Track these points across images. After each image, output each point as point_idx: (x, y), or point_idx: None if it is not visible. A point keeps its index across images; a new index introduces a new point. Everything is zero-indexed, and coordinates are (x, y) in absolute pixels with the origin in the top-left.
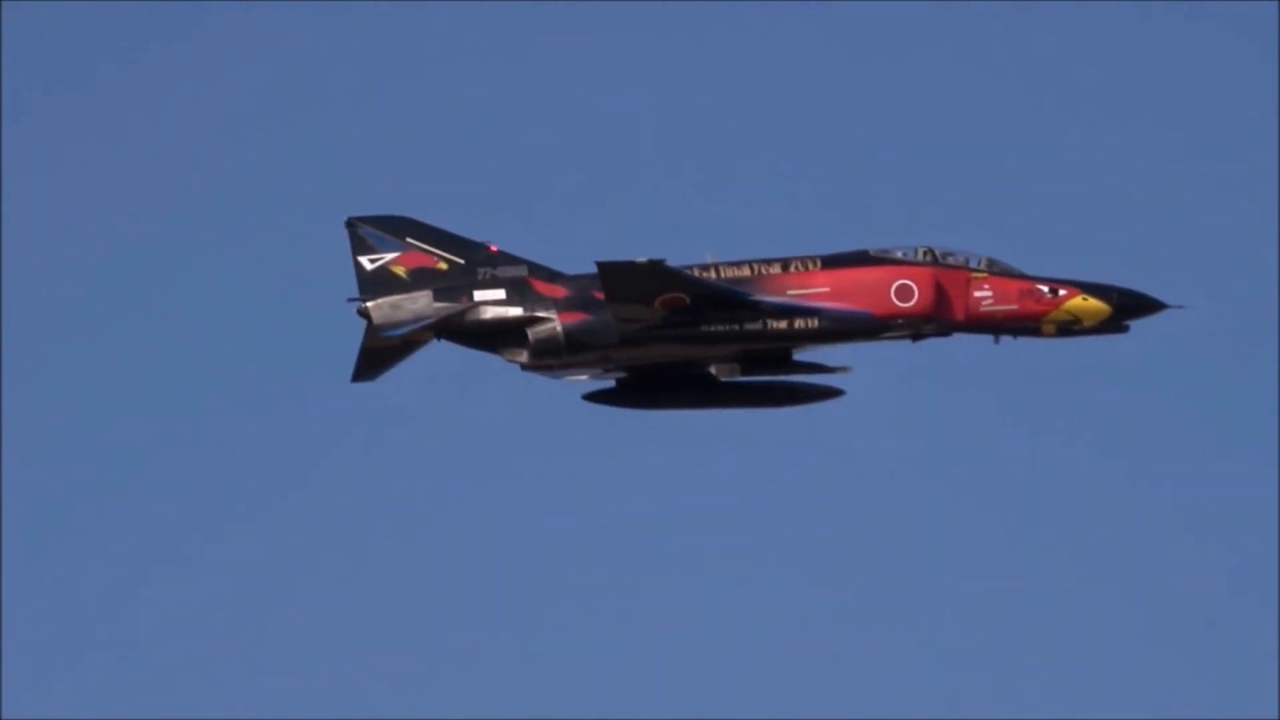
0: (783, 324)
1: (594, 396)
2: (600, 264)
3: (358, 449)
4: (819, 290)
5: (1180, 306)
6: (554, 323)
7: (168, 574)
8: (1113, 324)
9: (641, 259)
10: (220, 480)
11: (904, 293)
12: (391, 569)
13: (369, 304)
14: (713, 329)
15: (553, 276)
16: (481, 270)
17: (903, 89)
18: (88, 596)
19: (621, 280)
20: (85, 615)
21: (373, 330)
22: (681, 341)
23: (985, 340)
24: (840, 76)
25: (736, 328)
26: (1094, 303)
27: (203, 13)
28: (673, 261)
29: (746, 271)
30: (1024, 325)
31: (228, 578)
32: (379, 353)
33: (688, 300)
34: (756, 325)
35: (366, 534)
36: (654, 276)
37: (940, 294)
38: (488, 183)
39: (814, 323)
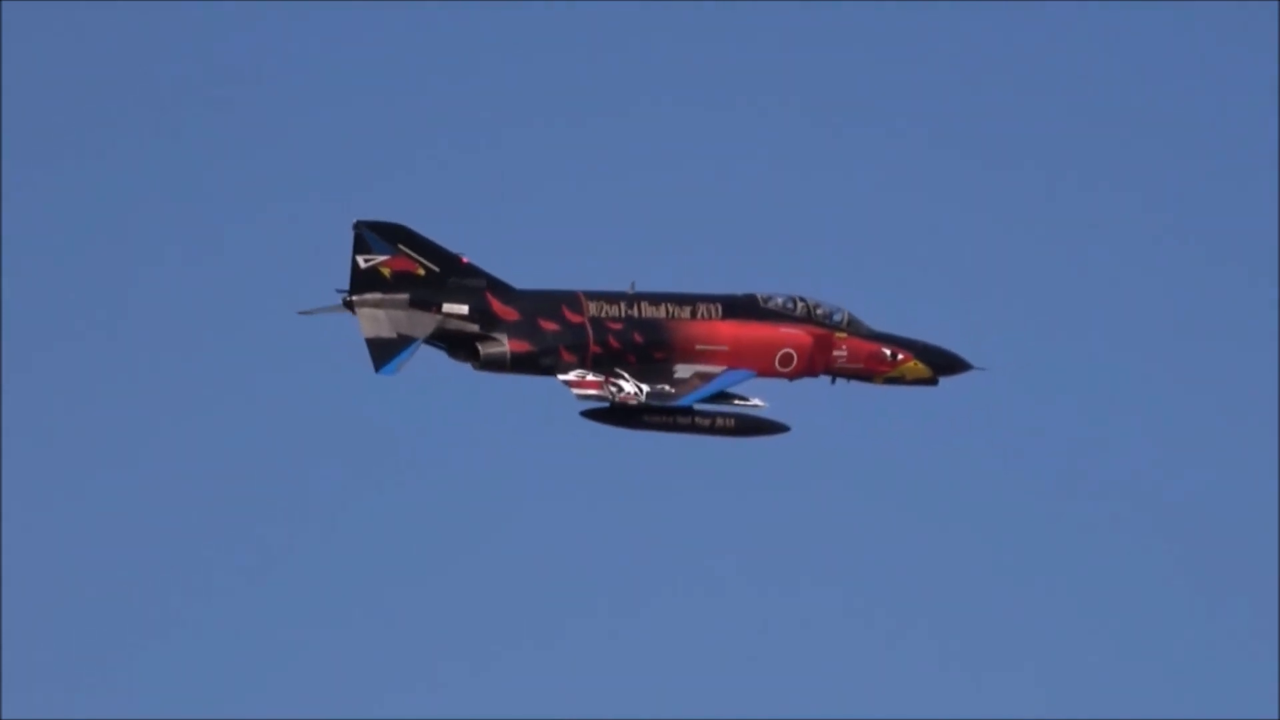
0: (706, 421)
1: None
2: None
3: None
4: (721, 348)
5: (984, 369)
6: (504, 347)
7: (168, 573)
8: (930, 380)
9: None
10: (210, 476)
11: (786, 360)
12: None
13: (354, 300)
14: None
15: (507, 296)
16: (451, 280)
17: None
18: (87, 596)
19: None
20: (85, 615)
21: (346, 309)
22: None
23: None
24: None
25: (670, 420)
26: (921, 366)
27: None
28: (595, 285)
29: (662, 313)
30: (861, 376)
31: (225, 577)
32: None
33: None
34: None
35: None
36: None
37: (811, 359)
38: (460, 191)
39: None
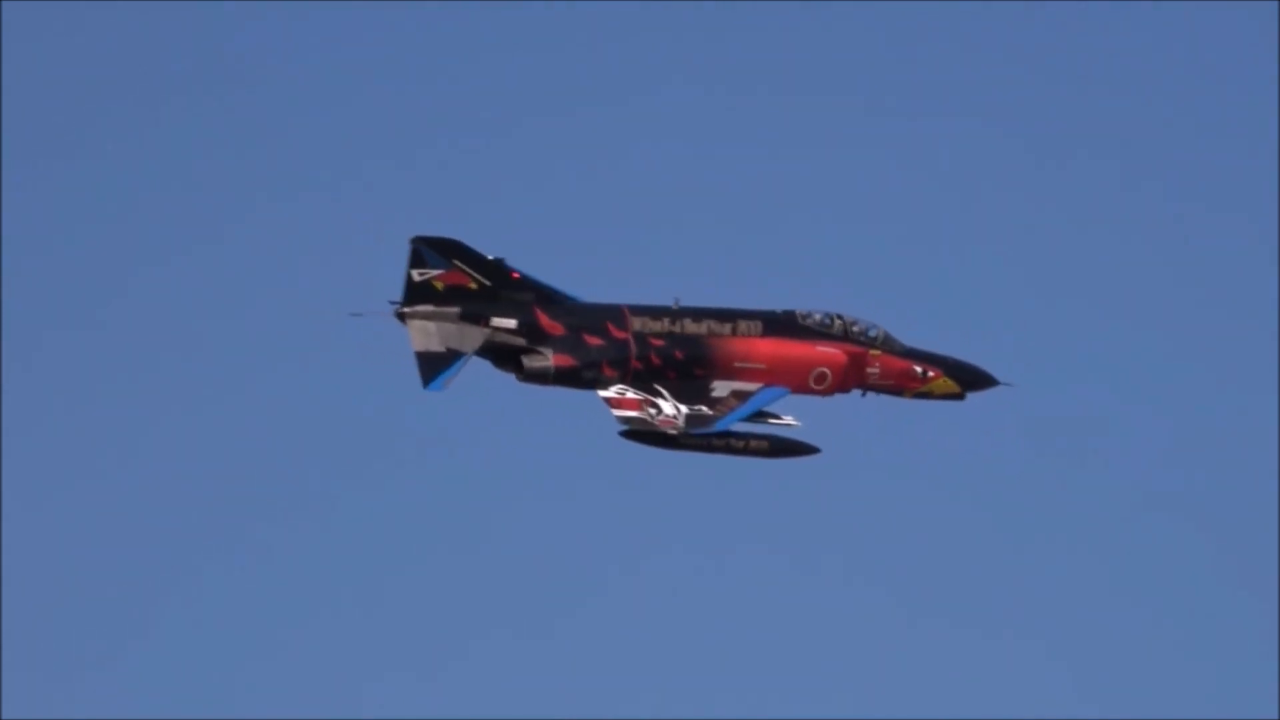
0: (740, 444)
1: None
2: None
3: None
4: (759, 366)
5: (1010, 384)
6: (548, 362)
7: (193, 576)
8: (957, 395)
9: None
10: (250, 480)
11: (820, 378)
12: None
13: (406, 311)
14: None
15: (555, 311)
16: (503, 293)
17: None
18: (88, 596)
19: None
20: (85, 615)
21: (397, 319)
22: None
23: None
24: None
25: (705, 442)
26: (949, 382)
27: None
28: (639, 298)
29: (703, 329)
30: (891, 392)
31: (257, 581)
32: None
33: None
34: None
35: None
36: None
37: (845, 377)
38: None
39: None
